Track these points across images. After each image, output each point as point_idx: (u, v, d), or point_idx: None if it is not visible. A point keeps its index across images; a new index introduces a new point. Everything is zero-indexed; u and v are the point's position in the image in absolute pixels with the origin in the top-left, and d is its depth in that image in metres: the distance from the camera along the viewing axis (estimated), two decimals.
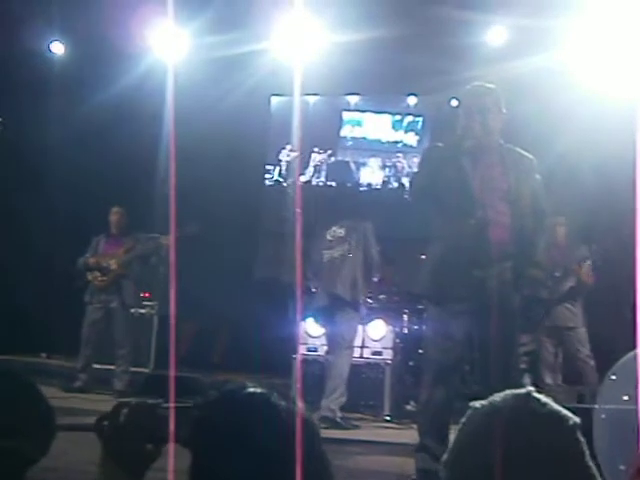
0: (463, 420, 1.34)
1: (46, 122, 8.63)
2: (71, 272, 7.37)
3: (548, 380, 6.61)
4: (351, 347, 6.20)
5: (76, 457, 3.96)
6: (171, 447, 1.33)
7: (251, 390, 1.31)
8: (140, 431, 1.36)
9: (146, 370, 7.54)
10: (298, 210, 5.66)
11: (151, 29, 7.97)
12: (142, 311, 7.77)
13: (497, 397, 1.32)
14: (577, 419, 1.29)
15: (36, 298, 8.46)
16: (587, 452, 1.28)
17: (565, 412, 1.30)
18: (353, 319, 6.10)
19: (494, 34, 7.82)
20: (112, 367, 7.13)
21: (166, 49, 8.07)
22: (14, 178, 8.69)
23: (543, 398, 1.32)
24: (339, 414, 5.84)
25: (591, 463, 1.28)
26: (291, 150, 9.38)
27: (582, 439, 1.29)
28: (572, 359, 6.66)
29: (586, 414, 2.26)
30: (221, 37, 7.96)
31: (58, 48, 8.87)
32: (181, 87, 6.98)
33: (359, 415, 6.35)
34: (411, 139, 9.13)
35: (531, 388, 1.34)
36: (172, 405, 1.37)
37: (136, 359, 7.33)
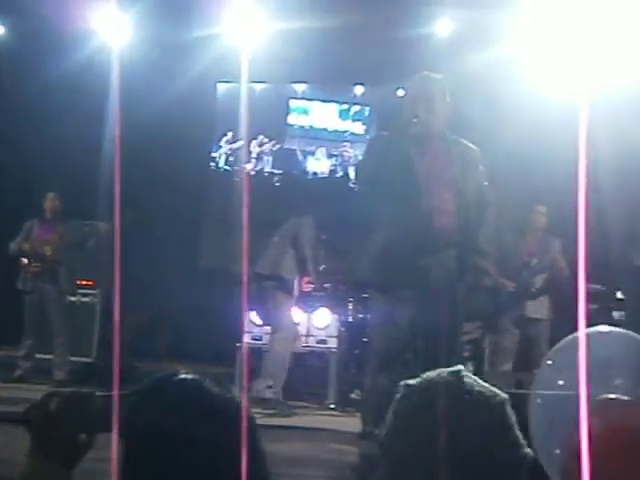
0: (397, 397, 1.37)
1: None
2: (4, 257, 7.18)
3: (489, 367, 6.68)
4: (284, 327, 6.15)
5: (16, 448, 3.89)
6: (114, 437, 1.29)
7: (182, 376, 1.30)
8: (71, 421, 1.32)
9: (88, 359, 7.43)
10: (244, 198, 5.66)
11: (95, 10, 7.80)
12: (84, 299, 7.64)
13: (430, 374, 1.36)
14: (505, 395, 1.36)
15: None
16: (515, 425, 1.34)
17: (493, 389, 1.36)
18: (278, 297, 6.07)
19: (441, 25, 7.88)
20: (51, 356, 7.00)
21: (110, 32, 7.92)
22: None
23: (473, 376, 1.38)
24: (269, 394, 5.83)
25: (519, 434, 1.34)
26: (235, 138, 9.31)
27: (510, 413, 1.34)
28: (530, 349, 6.61)
29: (523, 399, 2.30)
30: (167, 21, 7.86)
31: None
32: (125, 71, 6.88)
33: (303, 403, 6.36)
34: (358, 128, 9.14)
35: (461, 367, 1.38)
36: (113, 394, 1.33)
37: (78, 348, 7.20)
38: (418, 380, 1.38)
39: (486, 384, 1.37)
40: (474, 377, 1.37)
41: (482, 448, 1.29)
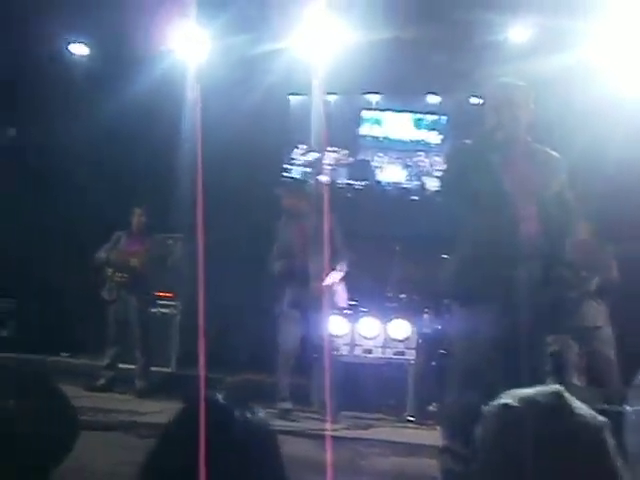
0: (493, 417, 1.33)
1: (68, 123, 8.66)
2: (91, 267, 7.38)
3: (574, 381, 6.53)
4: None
5: (100, 456, 3.98)
6: (201, 448, 1.31)
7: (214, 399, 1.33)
8: None
9: (168, 370, 7.56)
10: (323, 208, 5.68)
11: (172, 30, 7.98)
12: (165, 311, 7.78)
13: (527, 394, 1.31)
14: (605, 419, 1.31)
15: (60, 297, 8.50)
16: (613, 452, 1.29)
17: (593, 412, 1.32)
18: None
19: (515, 32, 7.78)
20: (134, 366, 7.14)
21: (187, 50, 8.09)
22: (37, 180, 8.73)
23: (572, 397, 1.33)
24: None
25: (617, 463, 1.29)
26: (310, 149, 9.36)
27: (609, 439, 1.30)
28: (596, 359, 6.56)
29: (614, 416, 2.23)
30: (240, 37, 7.97)
31: (79, 49, 8.90)
32: (201, 87, 7.05)
33: (381, 415, 6.32)
34: (433, 137, 9.06)
35: (560, 387, 1.33)
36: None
37: (158, 359, 7.34)
38: (517, 400, 1.33)
39: (585, 406, 1.32)
40: (574, 399, 1.33)
41: (581, 474, 1.25)
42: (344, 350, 6.39)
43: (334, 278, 6.15)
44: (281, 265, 6.02)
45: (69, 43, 8.81)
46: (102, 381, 7.07)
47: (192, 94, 7.66)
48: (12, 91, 8.26)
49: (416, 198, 8.99)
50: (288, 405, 5.96)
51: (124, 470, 3.72)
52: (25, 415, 2.77)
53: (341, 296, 6.23)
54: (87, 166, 8.67)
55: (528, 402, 1.31)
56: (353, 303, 6.66)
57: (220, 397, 1.33)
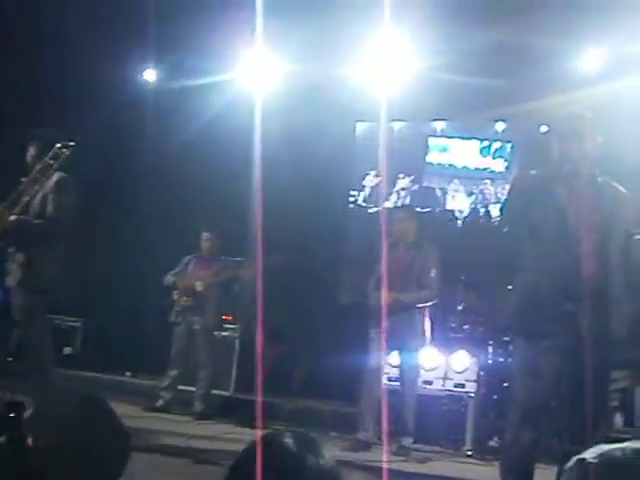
0: (570, 472, 1.23)
1: (139, 149, 8.86)
2: (158, 291, 7.48)
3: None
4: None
5: (152, 479, 3.97)
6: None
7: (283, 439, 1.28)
8: None
9: (226, 393, 7.56)
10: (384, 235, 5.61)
11: (240, 57, 8.10)
12: (224, 334, 7.82)
13: (608, 449, 1.21)
14: None
15: (126, 318, 8.64)
16: None
17: None
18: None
19: (584, 60, 7.63)
20: (194, 389, 7.17)
21: (254, 77, 8.19)
22: (107, 204, 8.93)
23: None
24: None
25: None
26: (376, 175, 9.33)
27: None
28: None
29: None
30: (307, 64, 8.03)
31: (150, 75, 9.10)
32: (268, 114, 7.13)
33: (439, 448, 6.18)
34: (499, 166, 8.93)
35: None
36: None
37: (217, 382, 7.35)
38: (594, 455, 1.23)
39: None
40: None
41: None
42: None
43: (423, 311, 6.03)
44: (377, 296, 5.89)
45: (143, 70, 9.03)
46: (161, 402, 7.11)
47: (259, 121, 7.73)
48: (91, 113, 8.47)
49: (481, 226, 8.85)
50: (365, 435, 5.82)
51: None
52: (77, 437, 2.79)
53: (423, 332, 6.08)
54: (158, 190, 8.84)
55: (606, 458, 1.22)
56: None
57: (285, 439, 1.28)
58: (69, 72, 8.28)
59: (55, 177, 5.04)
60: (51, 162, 4.99)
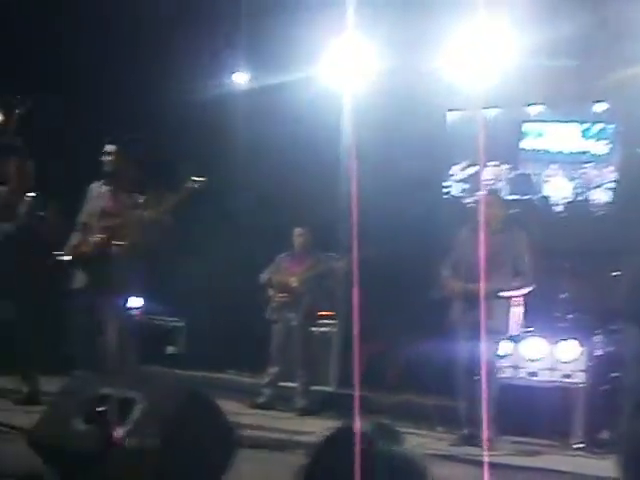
0: None
1: (231, 149, 8.98)
2: (253, 289, 7.57)
3: None
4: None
5: (258, 475, 4.00)
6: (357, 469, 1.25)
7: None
8: None
9: (327, 389, 7.58)
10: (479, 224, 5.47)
11: (331, 53, 8.09)
12: (323, 329, 7.83)
13: None
14: None
15: (226, 317, 8.78)
16: None
17: None
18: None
19: None
20: (294, 385, 7.21)
21: (344, 72, 8.17)
22: (202, 205, 9.08)
23: None
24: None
25: None
26: (469, 165, 9.14)
27: None
28: None
29: None
30: (397, 57, 7.95)
31: (241, 78, 9.19)
32: (359, 109, 7.10)
33: (547, 442, 5.99)
34: (600, 148, 8.58)
35: None
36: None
37: (317, 377, 7.37)
38: None
39: None
40: None
41: None
42: (507, 372, 6.10)
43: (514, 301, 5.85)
44: (458, 283, 5.76)
45: (233, 73, 9.14)
46: (263, 399, 7.19)
47: (350, 114, 7.72)
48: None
49: (584, 212, 8.55)
50: (466, 430, 5.71)
51: None
52: (186, 432, 2.84)
53: (515, 321, 5.91)
54: (251, 189, 8.94)
55: None
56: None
57: (370, 428, 1.26)
58: (160, 77, 8.48)
59: None
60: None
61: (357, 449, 1.23)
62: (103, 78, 8.32)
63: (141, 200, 5.32)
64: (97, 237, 5.27)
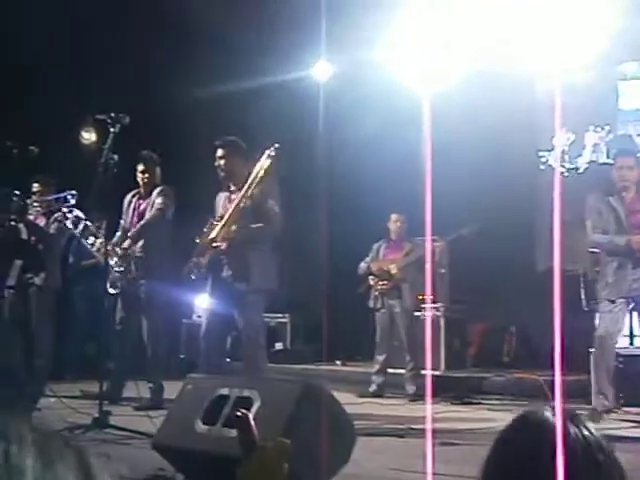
0: None
1: (316, 142, 9.00)
2: (354, 279, 7.57)
3: None
4: None
5: (377, 463, 4.00)
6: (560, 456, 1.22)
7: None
8: None
9: (437, 372, 7.52)
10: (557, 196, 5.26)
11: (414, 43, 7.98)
12: (428, 314, 7.78)
13: None
14: None
15: (329, 309, 8.83)
16: None
17: None
18: None
19: None
20: (403, 371, 7.18)
21: (420, 56, 8.05)
22: (300, 201, 9.15)
23: None
24: None
25: None
26: (566, 132, 8.86)
27: None
28: None
29: None
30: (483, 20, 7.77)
31: (324, 71, 9.17)
32: (442, 90, 6.97)
33: None
34: None
35: None
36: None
37: (424, 361, 7.32)
38: None
39: None
40: None
41: None
42: (622, 342, 5.87)
43: None
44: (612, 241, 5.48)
45: (314, 65, 9.15)
46: (374, 387, 7.20)
47: (430, 95, 7.59)
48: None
49: None
50: (604, 404, 5.51)
51: (401, 476, 3.71)
52: (305, 425, 2.87)
53: None
54: (344, 182, 8.94)
55: None
56: None
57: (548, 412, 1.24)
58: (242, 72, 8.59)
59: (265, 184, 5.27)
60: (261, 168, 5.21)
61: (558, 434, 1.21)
62: None
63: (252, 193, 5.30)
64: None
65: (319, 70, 9.19)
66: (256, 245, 5.31)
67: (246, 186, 5.23)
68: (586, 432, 1.18)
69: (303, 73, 9.14)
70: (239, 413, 1.53)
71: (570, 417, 1.20)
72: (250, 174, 5.27)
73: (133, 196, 6.41)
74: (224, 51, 8.65)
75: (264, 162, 5.21)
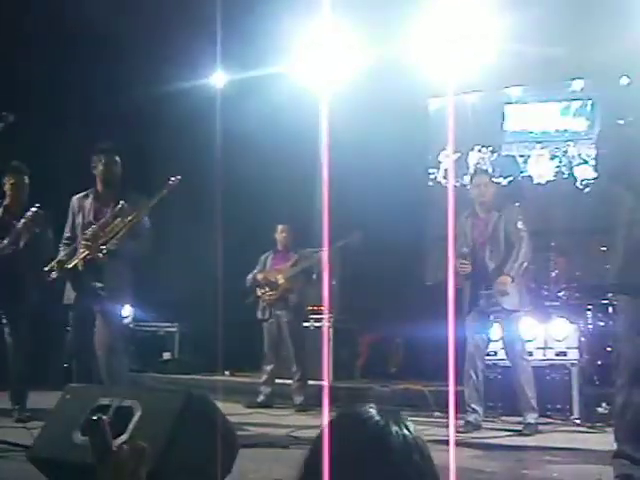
0: None
1: (210, 150, 8.94)
2: (242, 290, 7.56)
3: None
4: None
5: (262, 473, 4.01)
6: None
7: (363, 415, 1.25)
8: None
9: (323, 383, 7.58)
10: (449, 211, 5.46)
11: (309, 49, 8.07)
12: (317, 324, 7.85)
13: None
14: None
15: (215, 319, 8.75)
16: None
17: None
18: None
19: None
20: (291, 381, 7.22)
21: (322, 63, 8.15)
22: (184, 209, 9.06)
23: None
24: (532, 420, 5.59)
25: None
26: (453, 150, 9.18)
27: None
28: None
29: None
30: (375, 47, 7.94)
31: (219, 79, 9.13)
32: (339, 100, 7.08)
33: (547, 419, 6.03)
34: (580, 125, 8.63)
35: None
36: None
37: (313, 372, 7.38)
38: None
39: None
40: None
41: None
42: (500, 354, 6.12)
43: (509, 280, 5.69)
44: (464, 264, 5.68)
45: (211, 74, 9.10)
46: (261, 397, 7.20)
47: (328, 106, 7.70)
48: None
49: (567, 190, 8.59)
50: (475, 418, 5.69)
51: None
52: (187, 435, 2.85)
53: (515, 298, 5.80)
54: (231, 190, 8.92)
55: None
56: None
57: (372, 410, 1.28)
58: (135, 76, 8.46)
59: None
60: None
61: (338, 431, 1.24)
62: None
63: (122, 205, 5.25)
64: (84, 248, 5.23)
65: (216, 78, 9.16)
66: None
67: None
68: (406, 432, 1.23)
69: (200, 81, 9.09)
70: (93, 417, 1.51)
71: (393, 417, 1.24)
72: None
73: None
74: (121, 59, 8.50)
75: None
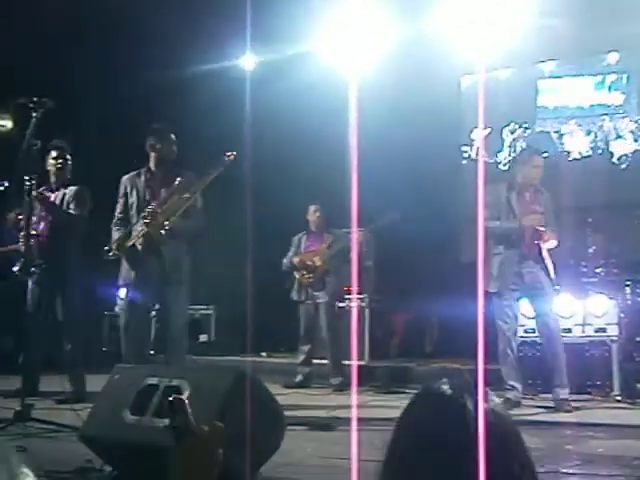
0: None
1: (240, 133, 8.96)
2: (279, 273, 7.58)
3: None
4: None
5: (306, 452, 4.04)
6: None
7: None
8: None
9: (362, 362, 7.62)
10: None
11: (338, 29, 8.03)
12: (353, 304, 7.86)
13: None
14: None
15: (253, 301, 8.80)
16: None
17: None
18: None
19: None
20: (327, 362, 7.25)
21: (350, 47, 8.11)
22: (222, 188, 9.10)
23: None
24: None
25: None
26: (486, 128, 9.09)
27: None
28: None
29: None
30: (405, 23, 7.88)
31: (248, 62, 9.13)
32: (371, 80, 7.05)
33: (588, 396, 6.01)
34: (616, 99, 8.49)
35: None
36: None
37: (349, 352, 7.40)
38: None
39: None
40: None
41: None
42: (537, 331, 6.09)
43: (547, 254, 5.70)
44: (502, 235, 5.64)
45: (240, 56, 9.11)
46: (299, 378, 7.25)
47: (357, 86, 7.66)
48: None
49: (603, 165, 8.48)
50: (514, 394, 5.66)
51: (329, 463, 3.76)
52: (236, 414, 2.88)
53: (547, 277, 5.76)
54: (264, 173, 8.94)
55: None
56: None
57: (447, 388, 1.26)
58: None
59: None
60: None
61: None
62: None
63: (179, 182, 5.22)
64: (143, 227, 5.17)
65: (246, 61, 9.16)
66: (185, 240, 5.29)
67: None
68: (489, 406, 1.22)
69: (230, 63, 9.10)
70: (173, 397, 1.52)
71: (469, 390, 1.23)
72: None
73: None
74: (148, 42, 8.54)
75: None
